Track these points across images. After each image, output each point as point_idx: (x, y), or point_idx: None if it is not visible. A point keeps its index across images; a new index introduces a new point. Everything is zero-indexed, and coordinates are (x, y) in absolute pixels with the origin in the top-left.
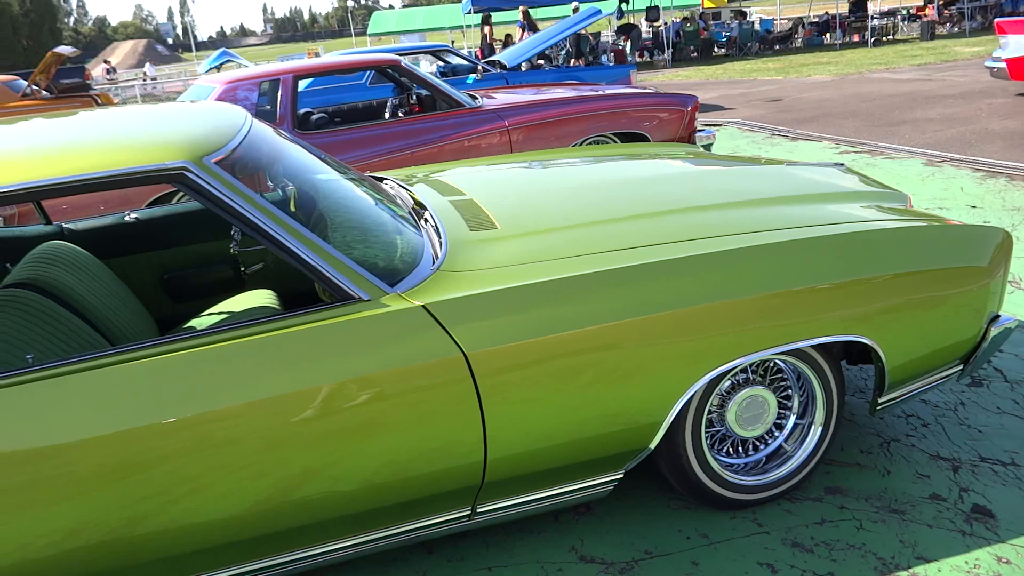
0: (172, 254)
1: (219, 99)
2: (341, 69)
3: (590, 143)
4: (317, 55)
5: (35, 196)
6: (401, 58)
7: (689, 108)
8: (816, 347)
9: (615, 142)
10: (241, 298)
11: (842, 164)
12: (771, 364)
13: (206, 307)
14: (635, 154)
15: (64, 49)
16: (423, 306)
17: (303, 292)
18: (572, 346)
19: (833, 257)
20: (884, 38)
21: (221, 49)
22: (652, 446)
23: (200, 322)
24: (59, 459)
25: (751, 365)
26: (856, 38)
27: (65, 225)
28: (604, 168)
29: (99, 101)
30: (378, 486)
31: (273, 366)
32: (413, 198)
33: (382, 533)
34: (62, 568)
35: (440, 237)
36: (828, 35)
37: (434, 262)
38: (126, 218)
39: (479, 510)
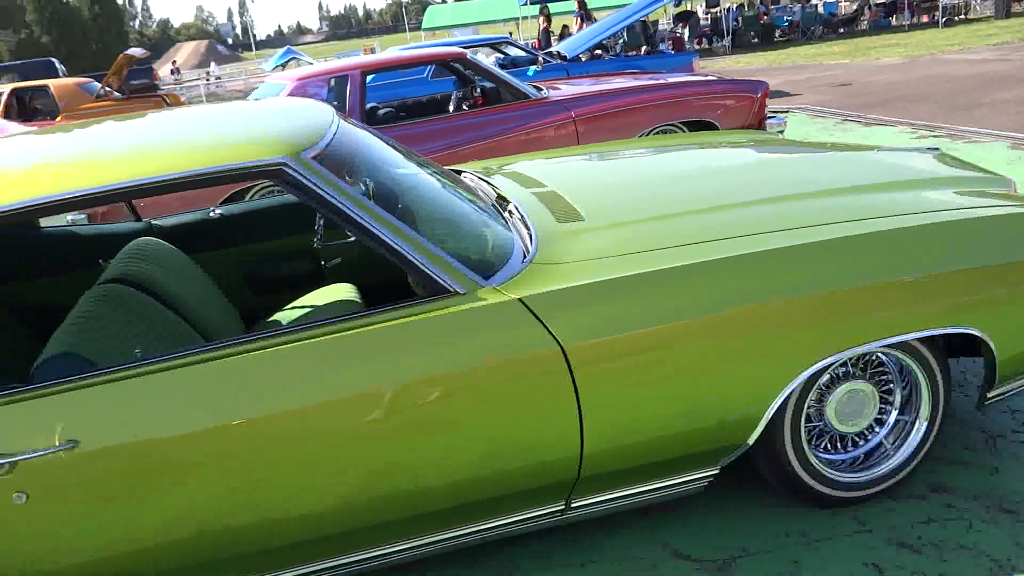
0: (254, 249)
1: (290, 95)
2: (408, 63)
3: (657, 133)
4: (372, 51)
5: (144, 193)
6: (467, 51)
7: (759, 94)
8: (922, 340)
9: (683, 131)
10: (322, 292)
11: (936, 148)
12: (872, 357)
13: (287, 301)
14: (715, 142)
15: (135, 51)
16: (519, 299)
17: (381, 286)
18: (672, 339)
19: (943, 245)
20: (956, 18)
21: (286, 47)
22: (751, 441)
23: (284, 316)
24: (162, 452)
25: (851, 359)
26: (925, 19)
27: (153, 222)
28: (686, 157)
29: (168, 101)
30: (474, 481)
31: (372, 360)
32: (494, 190)
33: (473, 528)
34: (156, 561)
35: (528, 230)
36: (895, 16)
37: (525, 255)
38: (210, 214)
39: (572, 505)
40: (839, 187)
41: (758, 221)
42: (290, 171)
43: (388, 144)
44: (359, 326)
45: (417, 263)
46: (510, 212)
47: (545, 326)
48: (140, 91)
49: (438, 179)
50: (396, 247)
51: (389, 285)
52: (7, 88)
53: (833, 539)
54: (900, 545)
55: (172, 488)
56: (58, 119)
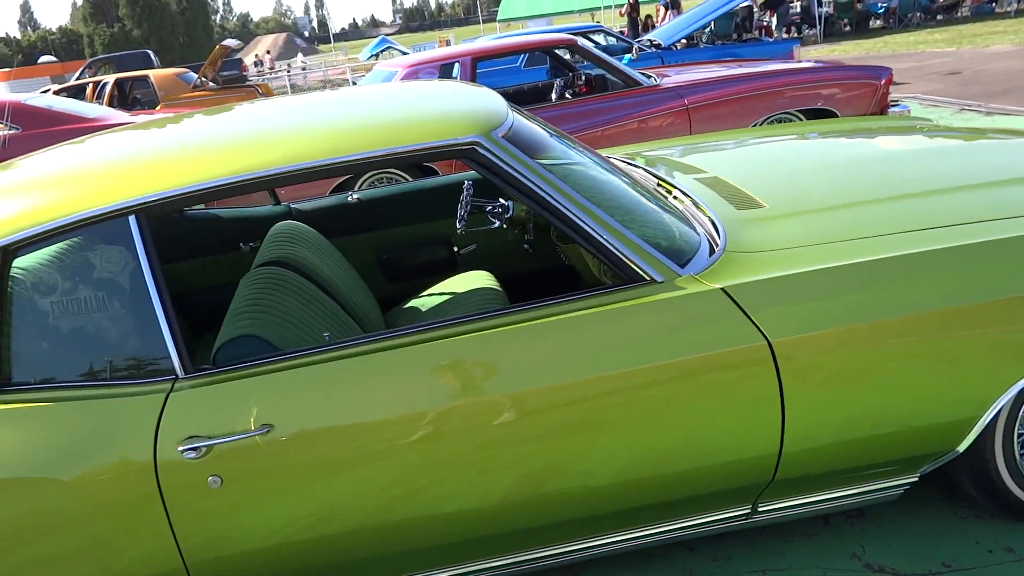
0: (390, 235)
1: (402, 80)
2: (518, 50)
3: (771, 122)
4: (447, 43)
5: (338, 172)
6: (577, 38)
7: (883, 81)
8: None
9: (800, 119)
10: (461, 279)
11: None
12: None
13: (420, 287)
14: (866, 128)
15: (230, 42)
16: (722, 289)
17: (516, 274)
18: (885, 334)
19: None
20: None
21: (380, 37)
22: (961, 448)
23: (424, 303)
24: (351, 440)
25: None
26: None
27: (292, 206)
28: (843, 143)
29: (260, 91)
30: (661, 481)
31: (565, 351)
32: (656, 177)
33: (651, 530)
34: (339, 548)
35: (710, 217)
36: (998, 3)
37: (714, 243)
38: (348, 199)
39: (759, 509)
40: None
41: (952, 211)
42: (483, 150)
43: (553, 130)
44: (549, 315)
45: (613, 248)
46: (678, 199)
47: (750, 318)
48: (231, 82)
49: (607, 167)
50: (591, 231)
51: (525, 274)
52: (111, 78)
53: None
54: None
55: (359, 475)
56: (157, 108)
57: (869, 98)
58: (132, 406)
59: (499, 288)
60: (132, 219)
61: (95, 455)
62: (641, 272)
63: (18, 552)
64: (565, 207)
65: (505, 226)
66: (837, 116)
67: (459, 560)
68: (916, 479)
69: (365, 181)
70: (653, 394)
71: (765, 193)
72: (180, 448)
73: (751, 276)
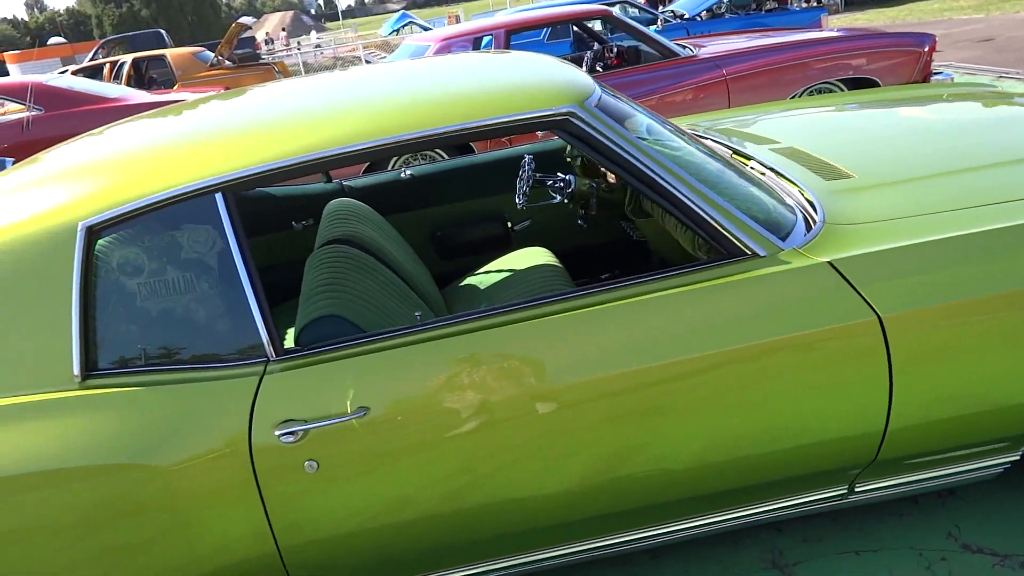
0: (443, 211)
1: (435, 55)
2: (552, 21)
3: (812, 92)
4: (457, 19)
5: (435, 144)
6: (612, 8)
7: (926, 48)
8: None
9: (841, 90)
10: (519, 255)
11: None
12: None
13: (474, 264)
14: (928, 97)
15: (246, 19)
16: (829, 263)
17: (571, 250)
18: (996, 308)
19: None
20: None
21: (401, 12)
22: None
23: (481, 280)
24: (444, 422)
25: None
26: None
27: (344, 183)
28: (912, 113)
29: (276, 70)
30: (757, 462)
31: (666, 329)
32: (730, 149)
33: (742, 512)
34: (429, 533)
35: (800, 189)
36: None
37: (809, 216)
38: (401, 175)
39: (856, 489)
40: None
41: None
42: (577, 120)
43: (631, 102)
44: (648, 292)
45: (712, 221)
46: (759, 171)
47: (859, 292)
48: (246, 60)
49: (687, 139)
50: (691, 204)
51: (578, 249)
52: (128, 58)
53: None
54: None
55: (450, 458)
56: (175, 88)
57: (912, 66)
58: (225, 390)
59: (559, 265)
60: (219, 196)
61: (188, 441)
62: (743, 246)
63: (107, 537)
64: (663, 179)
65: (566, 201)
66: (879, 85)
67: (544, 545)
68: (1018, 458)
69: (399, 162)
70: (758, 373)
71: (849, 163)
72: (277, 432)
73: (857, 249)
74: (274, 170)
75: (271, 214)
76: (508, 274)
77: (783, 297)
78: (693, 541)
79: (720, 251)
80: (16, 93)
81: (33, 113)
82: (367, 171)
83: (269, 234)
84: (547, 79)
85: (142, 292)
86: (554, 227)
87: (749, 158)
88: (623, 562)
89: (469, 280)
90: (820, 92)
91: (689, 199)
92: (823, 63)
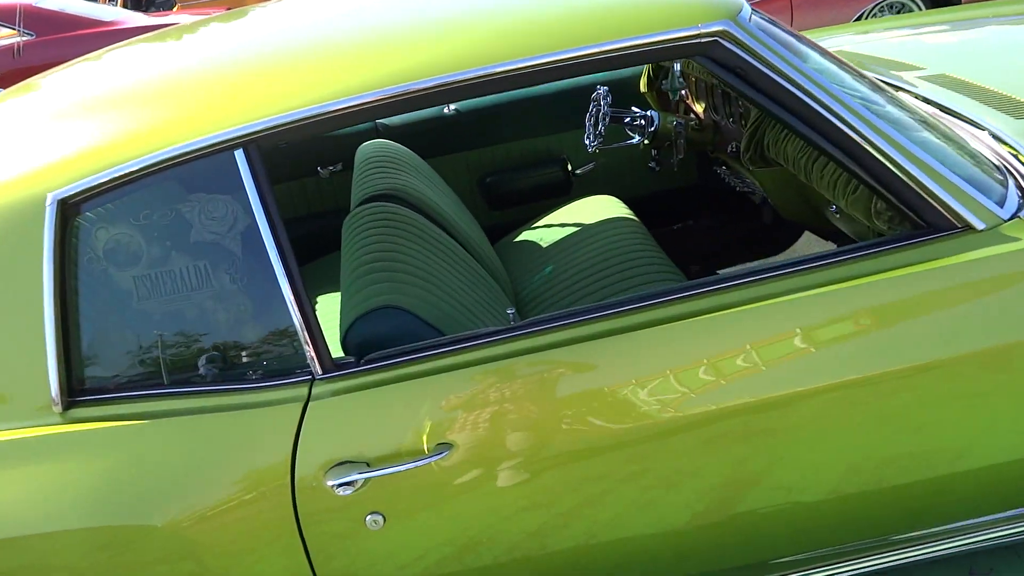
0: (492, 153)
1: None
2: None
3: (884, 9)
4: None
5: (544, 77)
6: None
7: None
8: None
9: (919, 8)
10: (585, 206)
11: None
12: None
13: (530, 215)
14: None
15: None
16: None
17: (640, 198)
18: None
19: None
20: None
21: None
22: None
23: (541, 236)
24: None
25: None
26: None
27: (378, 121)
28: None
29: None
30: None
31: (870, 321)
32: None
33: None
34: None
35: (992, 133)
36: None
37: (1020, 172)
38: (444, 111)
39: None
40: None
41: None
42: (728, 42)
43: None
44: (828, 281)
45: (915, 182)
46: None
47: None
48: None
49: (856, 74)
50: (883, 158)
51: (649, 198)
52: None
53: None
54: None
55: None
56: (175, 9)
57: None
58: (255, 422)
59: (634, 218)
60: (240, 154)
61: (206, 491)
62: (955, 217)
63: None
64: (850, 126)
65: (647, 142)
66: (960, 3)
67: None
68: None
69: None
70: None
71: None
72: (330, 483)
73: None
74: (333, 112)
75: (292, 158)
76: (575, 229)
77: (1011, 284)
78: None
79: (918, 223)
80: (4, 16)
81: (24, 39)
82: None
83: (290, 181)
84: None
85: (140, 288)
86: (617, 171)
87: (919, 98)
88: None
89: (526, 235)
90: (894, 8)
91: (885, 153)
92: None
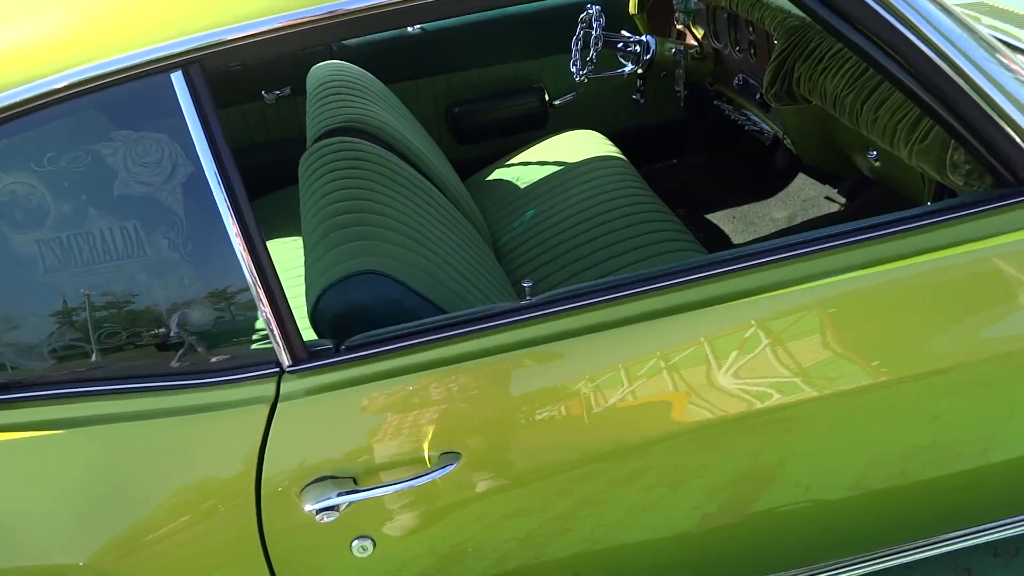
0: (462, 79)
1: None
2: None
3: None
4: None
5: None
6: None
7: None
8: None
9: None
10: (564, 141)
11: None
12: None
13: (501, 150)
14: None
15: None
16: None
17: (622, 131)
18: None
19: None
20: None
21: None
22: None
23: (516, 175)
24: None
25: None
26: None
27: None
28: None
29: None
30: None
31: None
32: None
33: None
34: None
35: None
36: None
37: None
38: (408, 31)
39: None
40: None
41: None
42: None
43: None
44: (922, 250)
45: (1014, 128)
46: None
47: None
48: None
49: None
50: (980, 97)
51: (632, 131)
52: None
53: None
54: None
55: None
56: None
57: None
58: (207, 428)
59: (623, 156)
60: (179, 77)
61: (143, 512)
62: None
63: None
64: (954, 59)
65: (641, 71)
66: None
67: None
68: None
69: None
70: None
71: None
72: (308, 507)
73: None
74: (312, 21)
75: (228, 80)
76: (557, 168)
77: None
78: None
79: (1007, 178)
80: None
81: None
82: None
83: (225, 108)
84: None
85: (47, 257)
86: (597, 102)
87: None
88: None
89: (499, 173)
90: None
91: (983, 92)
92: None
